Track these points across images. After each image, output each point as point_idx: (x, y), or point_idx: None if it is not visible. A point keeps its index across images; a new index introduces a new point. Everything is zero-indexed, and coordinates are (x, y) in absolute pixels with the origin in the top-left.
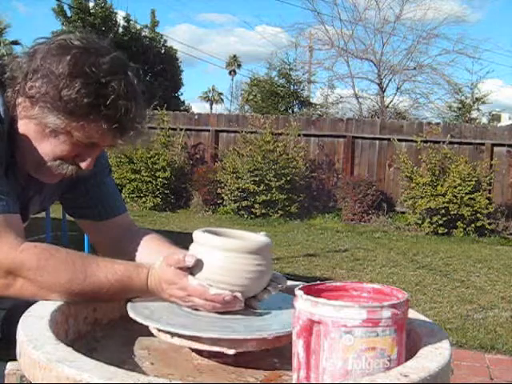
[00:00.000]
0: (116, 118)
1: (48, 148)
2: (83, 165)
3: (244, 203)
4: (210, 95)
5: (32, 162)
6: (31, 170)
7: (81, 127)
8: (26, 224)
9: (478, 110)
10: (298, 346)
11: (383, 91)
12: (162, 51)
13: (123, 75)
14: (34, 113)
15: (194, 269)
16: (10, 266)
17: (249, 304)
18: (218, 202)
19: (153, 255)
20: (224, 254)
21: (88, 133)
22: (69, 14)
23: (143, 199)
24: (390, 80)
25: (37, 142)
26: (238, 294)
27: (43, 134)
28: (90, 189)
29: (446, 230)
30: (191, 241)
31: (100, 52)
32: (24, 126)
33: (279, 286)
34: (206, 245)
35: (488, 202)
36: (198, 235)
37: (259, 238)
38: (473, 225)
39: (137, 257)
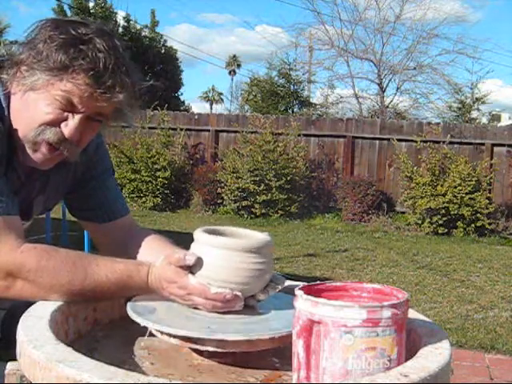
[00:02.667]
0: (94, 70)
1: (32, 114)
2: (66, 130)
3: (244, 203)
4: (210, 95)
5: (23, 142)
6: (25, 155)
7: (60, 82)
8: (29, 224)
9: (478, 110)
10: (298, 346)
11: (383, 91)
12: (162, 51)
13: (108, 38)
14: (20, 76)
15: (194, 267)
16: (9, 267)
17: (247, 304)
18: (218, 201)
19: (154, 255)
20: (224, 252)
21: (67, 87)
22: (69, 13)
23: (143, 199)
24: (390, 80)
25: (22, 112)
26: (239, 293)
27: (26, 99)
28: (93, 191)
29: (446, 230)
30: (191, 241)
31: (86, 22)
32: (15, 101)
33: (278, 286)
34: (207, 243)
35: (488, 201)
36: (198, 234)
37: (260, 236)
38: (473, 225)
39: (138, 257)
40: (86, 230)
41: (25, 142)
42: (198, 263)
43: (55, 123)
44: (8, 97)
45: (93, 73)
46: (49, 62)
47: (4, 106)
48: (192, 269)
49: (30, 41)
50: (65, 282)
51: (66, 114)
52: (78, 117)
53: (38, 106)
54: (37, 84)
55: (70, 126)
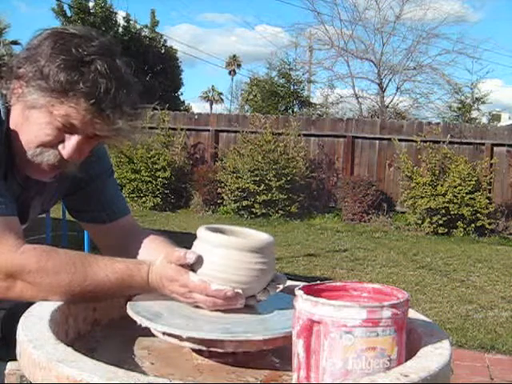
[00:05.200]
0: (94, 95)
1: (31, 134)
2: (64, 152)
3: (244, 203)
4: (210, 95)
5: (22, 155)
6: (24, 166)
7: (60, 105)
8: (25, 226)
9: (478, 109)
10: (298, 346)
11: (383, 91)
12: (162, 51)
13: (109, 58)
14: (20, 93)
15: (195, 266)
16: (9, 268)
17: (247, 303)
18: (218, 201)
19: (155, 256)
20: (226, 251)
21: (67, 111)
22: (69, 13)
23: (143, 199)
24: (390, 80)
25: (22, 127)
26: (240, 291)
27: (28, 117)
28: (92, 192)
29: (446, 230)
30: (191, 241)
31: (89, 38)
32: (14, 114)
33: (279, 286)
34: (208, 242)
35: (488, 201)
36: (201, 232)
37: (262, 236)
38: (473, 225)
39: (139, 258)
40: (87, 230)
41: (23, 156)
42: (199, 261)
43: (53, 144)
44: (7, 108)
45: (94, 101)
46: (49, 82)
47: (2, 113)
48: (192, 267)
49: (31, 54)
50: (65, 283)
51: (63, 134)
52: (75, 138)
53: (37, 126)
54: (37, 103)
55: (67, 147)
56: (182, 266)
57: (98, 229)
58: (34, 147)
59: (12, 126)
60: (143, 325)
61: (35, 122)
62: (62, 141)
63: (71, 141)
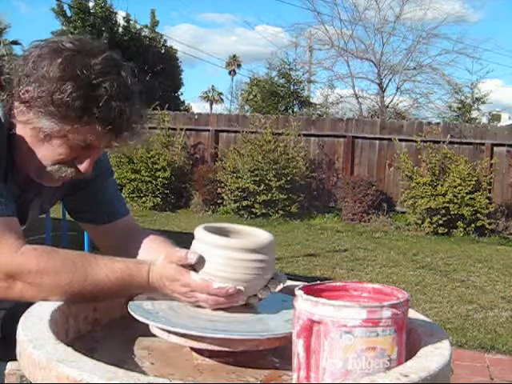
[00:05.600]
0: (110, 120)
1: (45, 152)
2: (81, 167)
3: (244, 203)
4: (210, 95)
5: (32, 167)
6: (32, 174)
7: (75, 130)
8: (24, 227)
9: (478, 109)
10: (298, 346)
11: (383, 91)
12: (162, 51)
13: (116, 75)
14: (29, 118)
15: (195, 266)
16: (9, 269)
17: (249, 302)
18: (218, 201)
19: (155, 256)
20: (225, 251)
21: (83, 135)
22: (69, 13)
23: (143, 199)
24: (390, 80)
25: (34, 146)
26: (241, 287)
27: (39, 138)
28: (91, 193)
29: (446, 230)
30: (191, 241)
31: (92, 53)
32: (21, 131)
33: (279, 283)
34: (208, 242)
35: (488, 201)
36: (199, 232)
37: (262, 235)
38: (473, 225)
39: (139, 258)
40: (87, 231)
41: (33, 167)
42: (199, 262)
43: (69, 161)
44: (9, 112)
45: (110, 126)
46: (61, 110)
47: (3, 118)
48: (193, 267)
49: (32, 73)
50: (65, 283)
51: (79, 151)
52: (91, 154)
53: (51, 147)
54: (49, 130)
55: (85, 164)
56: (183, 266)
57: (98, 229)
58: (50, 164)
59: (18, 135)
60: (146, 322)
61: (49, 144)
62: (78, 156)
63: (88, 157)
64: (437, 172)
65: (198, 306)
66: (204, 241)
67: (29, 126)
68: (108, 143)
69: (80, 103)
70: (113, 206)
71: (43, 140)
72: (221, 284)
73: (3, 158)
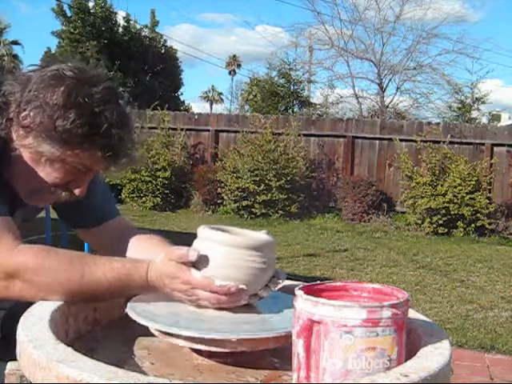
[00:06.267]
0: (110, 146)
1: (43, 175)
2: (77, 191)
3: (244, 203)
4: (210, 95)
5: (25, 187)
6: (23, 194)
7: (75, 155)
8: None
9: (478, 109)
10: (298, 346)
11: (383, 91)
12: (162, 51)
13: (115, 104)
14: (29, 142)
15: (196, 264)
16: (7, 267)
17: (250, 301)
18: (218, 201)
19: (153, 255)
20: (227, 249)
21: (82, 160)
22: (69, 13)
23: (143, 199)
24: (390, 80)
25: (31, 169)
26: (243, 286)
27: (38, 162)
28: (79, 199)
29: (446, 230)
30: (191, 241)
31: (92, 82)
32: (18, 153)
33: (279, 281)
34: (210, 240)
35: (488, 201)
36: (202, 230)
37: (262, 235)
38: (473, 225)
39: (137, 257)
40: (81, 236)
41: (26, 189)
42: (200, 259)
43: (64, 184)
44: (6, 136)
45: (110, 153)
46: (63, 136)
47: None
48: (194, 265)
49: (32, 98)
50: (62, 282)
51: (74, 174)
52: (86, 177)
53: (48, 169)
54: (49, 155)
55: (82, 187)
56: (184, 263)
57: (89, 232)
58: (46, 187)
59: (15, 158)
60: (145, 324)
61: (47, 167)
62: (73, 179)
63: (84, 181)
64: (437, 172)
65: (199, 306)
66: (206, 238)
67: (28, 149)
68: (106, 168)
69: (83, 130)
70: (101, 209)
71: (42, 163)
72: (223, 282)
73: None
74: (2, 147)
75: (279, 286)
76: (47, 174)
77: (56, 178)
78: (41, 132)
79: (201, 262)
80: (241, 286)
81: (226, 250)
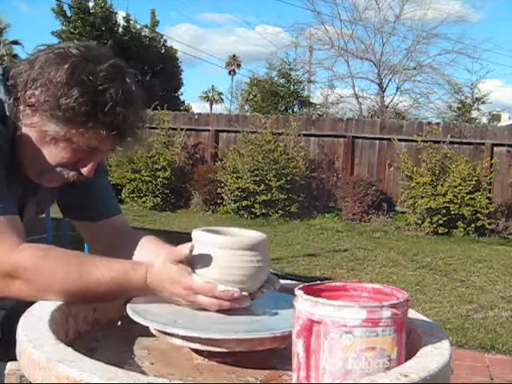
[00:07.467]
0: (114, 125)
1: (49, 155)
2: (84, 170)
3: (244, 203)
4: (210, 95)
5: (34, 168)
6: (33, 175)
7: (80, 134)
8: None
9: (478, 109)
10: (298, 346)
11: (383, 91)
12: (162, 51)
13: (121, 82)
14: (34, 121)
15: (193, 267)
16: (7, 266)
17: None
18: (218, 201)
19: (150, 256)
20: (223, 251)
21: (87, 139)
22: (69, 13)
23: (143, 199)
24: (390, 80)
25: (38, 149)
26: (246, 293)
27: (44, 141)
28: (84, 189)
29: (446, 230)
30: (191, 241)
31: (98, 60)
32: (26, 133)
33: (272, 287)
34: (205, 243)
35: (488, 201)
36: (195, 234)
37: (253, 233)
38: (473, 225)
39: (134, 258)
40: (79, 229)
41: (35, 168)
42: (197, 262)
43: (71, 163)
44: (14, 116)
45: (115, 132)
46: (67, 114)
47: (7, 112)
48: (192, 267)
49: (38, 77)
50: (60, 281)
51: (82, 154)
52: (95, 158)
53: (55, 150)
54: (55, 134)
55: (89, 167)
56: (182, 262)
57: (90, 227)
58: (54, 166)
59: (23, 137)
60: (145, 324)
61: (54, 146)
62: (81, 159)
63: (91, 161)
64: (437, 172)
65: (198, 309)
66: (201, 241)
67: (34, 129)
68: (112, 148)
69: (86, 108)
70: (105, 203)
71: (48, 142)
72: (226, 287)
73: (7, 157)
74: (12, 132)
75: (272, 289)
76: (54, 153)
77: (63, 158)
78: (45, 111)
79: (197, 265)
80: (243, 293)
81: (219, 252)
